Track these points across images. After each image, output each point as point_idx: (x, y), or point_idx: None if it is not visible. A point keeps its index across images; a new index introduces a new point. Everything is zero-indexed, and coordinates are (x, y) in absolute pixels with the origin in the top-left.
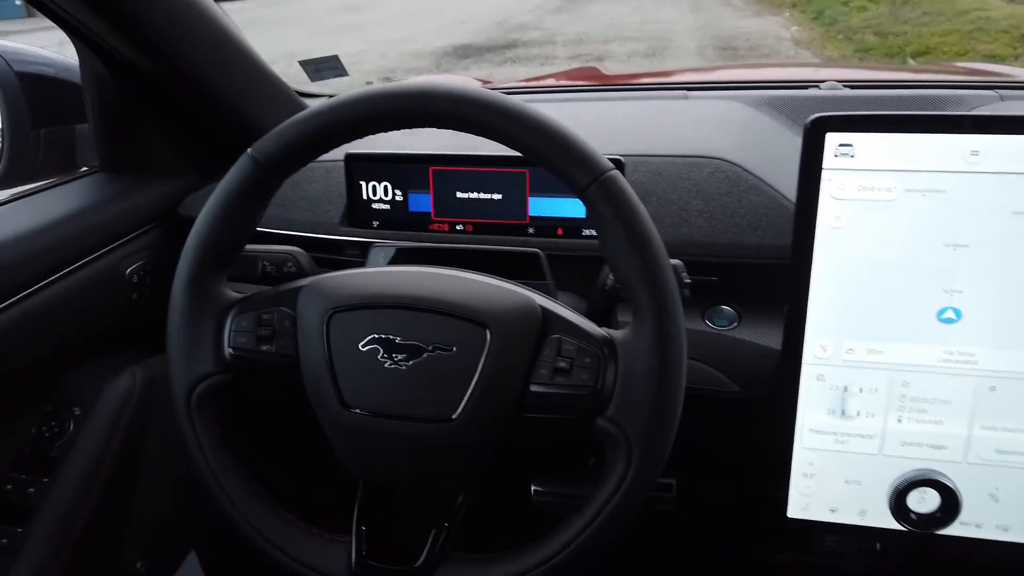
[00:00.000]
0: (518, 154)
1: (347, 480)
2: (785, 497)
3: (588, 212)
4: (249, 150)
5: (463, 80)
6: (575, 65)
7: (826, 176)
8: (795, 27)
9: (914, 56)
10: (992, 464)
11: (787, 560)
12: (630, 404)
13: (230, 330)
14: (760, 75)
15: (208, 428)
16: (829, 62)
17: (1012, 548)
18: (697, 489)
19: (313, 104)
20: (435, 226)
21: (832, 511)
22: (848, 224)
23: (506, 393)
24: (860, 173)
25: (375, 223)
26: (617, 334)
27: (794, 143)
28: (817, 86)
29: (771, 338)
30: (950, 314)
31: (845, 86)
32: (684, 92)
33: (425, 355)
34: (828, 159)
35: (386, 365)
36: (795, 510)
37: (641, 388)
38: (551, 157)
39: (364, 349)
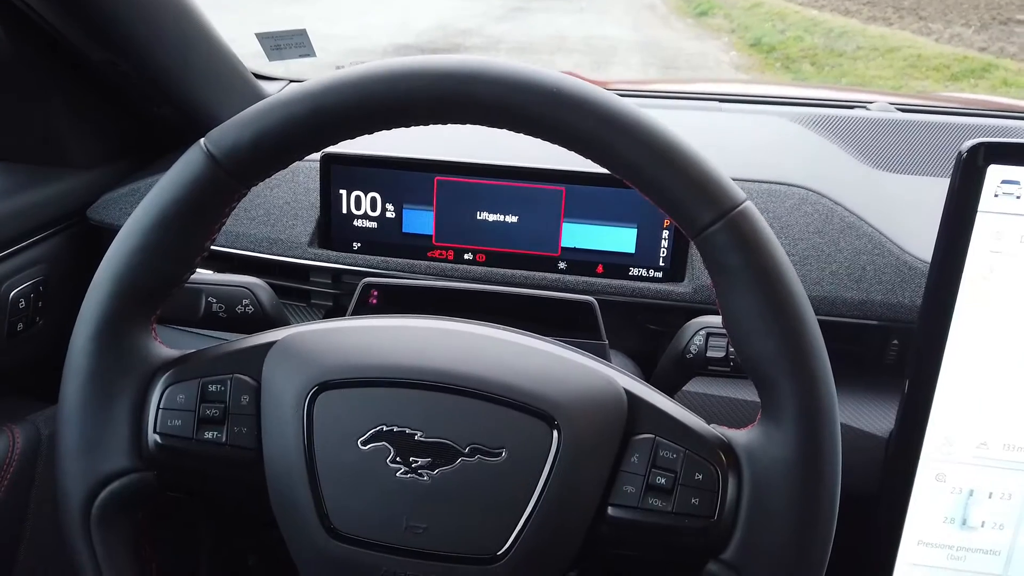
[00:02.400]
0: (552, 166)
1: (271, 539)
2: None
3: (706, 257)
4: (203, 141)
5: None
6: None
7: (981, 221)
8: (733, 52)
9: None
10: None
11: None
12: (761, 547)
13: (157, 407)
14: (790, 92)
15: (114, 552)
16: (826, 84)
17: None
18: None
19: (279, 88)
20: (436, 253)
21: None
22: (1002, 285)
23: (576, 519)
24: None
25: (356, 245)
26: (739, 437)
27: (869, 173)
28: (864, 106)
29: (871, 421)
30: None
31: (898, 109)
32: (716, 103)
33: (460, 461)
34: (986, 199)
35: (399, 474)
36: None
37: (779, 525)
38: (660, 180)
39: (366, 448)
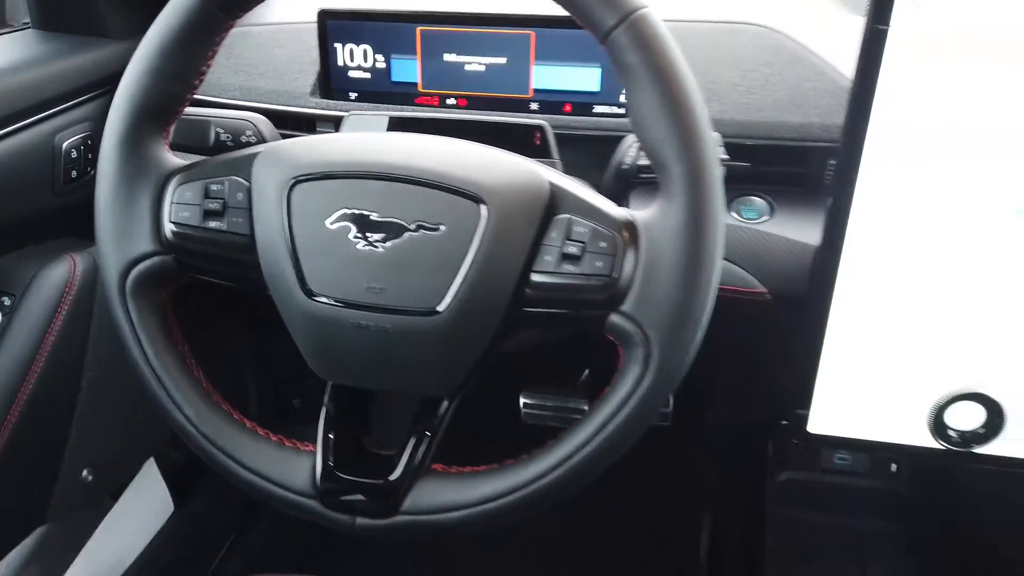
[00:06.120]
0: (521, 12)
1: (315, 381)
2: (807, 411)
3: (614, 63)
4: None
5: None
6: None
7: (895, 34)
8: None
9: None
10: None
11: (791, 478)
12: (652, 297)
13: (171, 203)
14: None
15: (146, 318)
16: None
17: None
18: (705, 406)
19: None
20: (423, 99)
21: (859, 427)
22: (916, 98)
23: (503, 282)
24: (942, 33)
25: (353, 95)
26: (640, 215)
27: (834, 12)
28: None
29: (807, 233)
30: None
31: None
32: None
33: (407, 235)
34: (902, 8)
35: (359, 246)
36: (818, 425)
37: (666, 278)
38: None
39: (333, 227)
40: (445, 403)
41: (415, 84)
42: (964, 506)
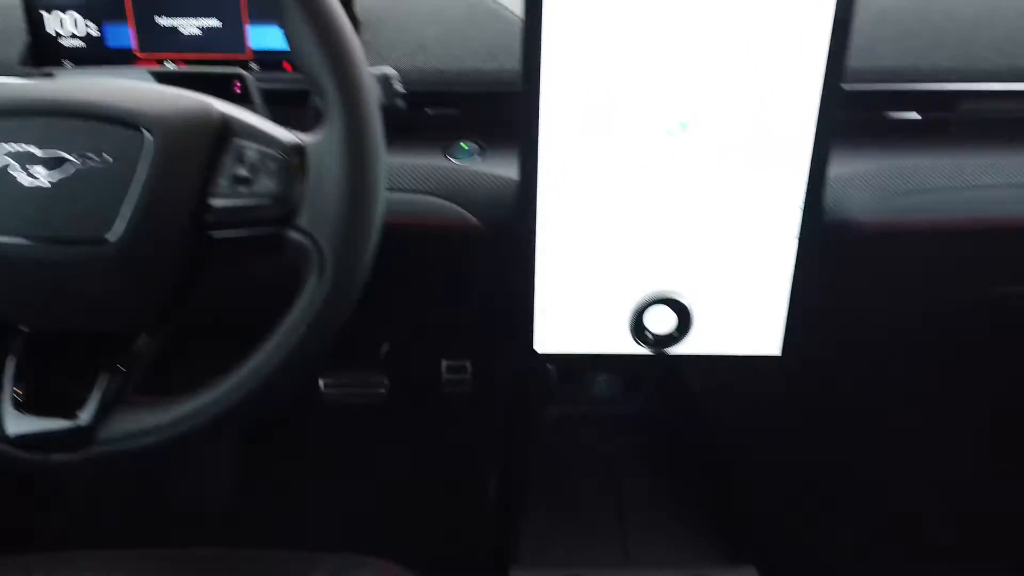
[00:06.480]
0: None
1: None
2: (531, 332)
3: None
4: None
5: None
6: None
7: None
8: None
9: None
10: (721, 279)
11: (558, 412)
12: (321, 212)
13: None
14: None
15: None
16: None
17: (743, 361)
18: (481, 353)
19: None
20: (141, 63)
21: (576, 341)
22: (575, 36)
23: (177, 206)
24: None
25: (67, 62)
26: (308, 137)
27: None
28: None
29: (513, 170)
30: (677, 127)
31: None
32: None
33: (71, 167)
34: None
35: (23, 181)
36: (542, 344)
37: (332, 193)
38: None
39: None
40: (143, 337)
41: (131, 50)
42: (700, 411)
